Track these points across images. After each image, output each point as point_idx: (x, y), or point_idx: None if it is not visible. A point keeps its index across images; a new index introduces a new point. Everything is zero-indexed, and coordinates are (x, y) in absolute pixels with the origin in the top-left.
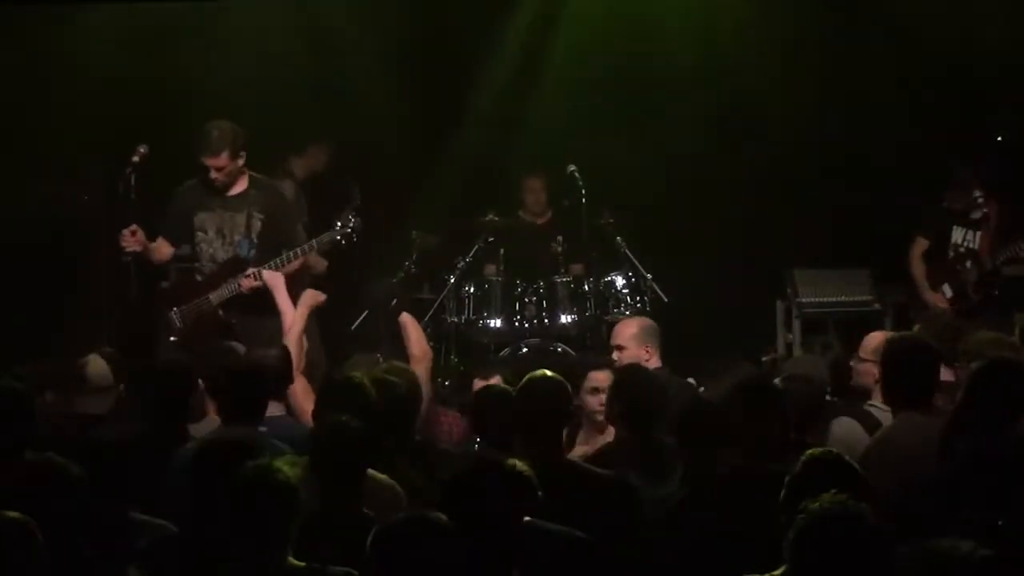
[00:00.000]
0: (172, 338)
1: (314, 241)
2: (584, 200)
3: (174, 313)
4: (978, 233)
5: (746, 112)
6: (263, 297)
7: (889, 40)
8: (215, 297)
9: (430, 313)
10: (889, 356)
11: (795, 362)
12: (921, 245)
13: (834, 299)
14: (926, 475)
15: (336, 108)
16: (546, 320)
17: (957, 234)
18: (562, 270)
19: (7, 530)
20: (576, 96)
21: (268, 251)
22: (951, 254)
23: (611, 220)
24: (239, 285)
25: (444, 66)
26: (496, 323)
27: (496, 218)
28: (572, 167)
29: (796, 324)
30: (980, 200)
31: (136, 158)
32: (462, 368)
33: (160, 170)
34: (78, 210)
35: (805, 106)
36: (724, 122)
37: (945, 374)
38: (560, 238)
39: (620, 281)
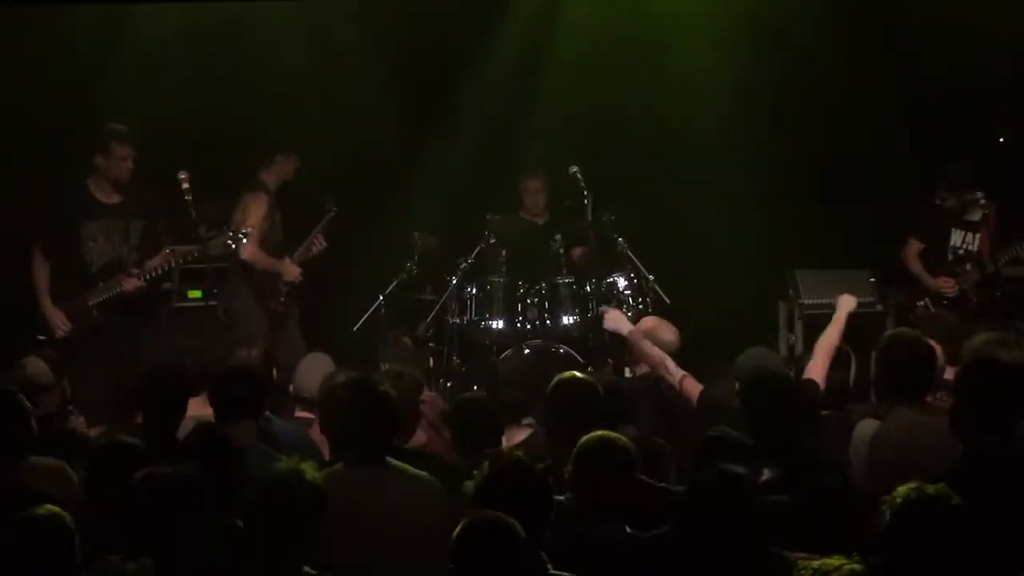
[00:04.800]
0: (40, 337)
1: (180, 249)
2: (586, 201)
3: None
4: (977, 235)
5: (748, 113)
6: (141, 299)
7: (891, 41)
8: (92, 298)
9: (432, 314)
10: (885, 352)
11: (751, 355)
12: (914, 247)
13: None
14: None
15: (337, 108)
16: (548, 321)
17: (956, 236)
18: (564, 270)
19: (43, 524)
20: (578, 96)
21: (147, 255)
22: (950, 256)
23: (612, 217)
24: (121, 286)
25: (446, 66)
26: (498, 324)
27: (498, 216)
28: (574, 168)
29: (798, 325)
30: (982, 201)
31: (186, 185)
32: (464, 369)
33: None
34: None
35: (807, 107)
36: (726, 123)
37: (949, 374)
38: (558, 236)
39: (622, 282)
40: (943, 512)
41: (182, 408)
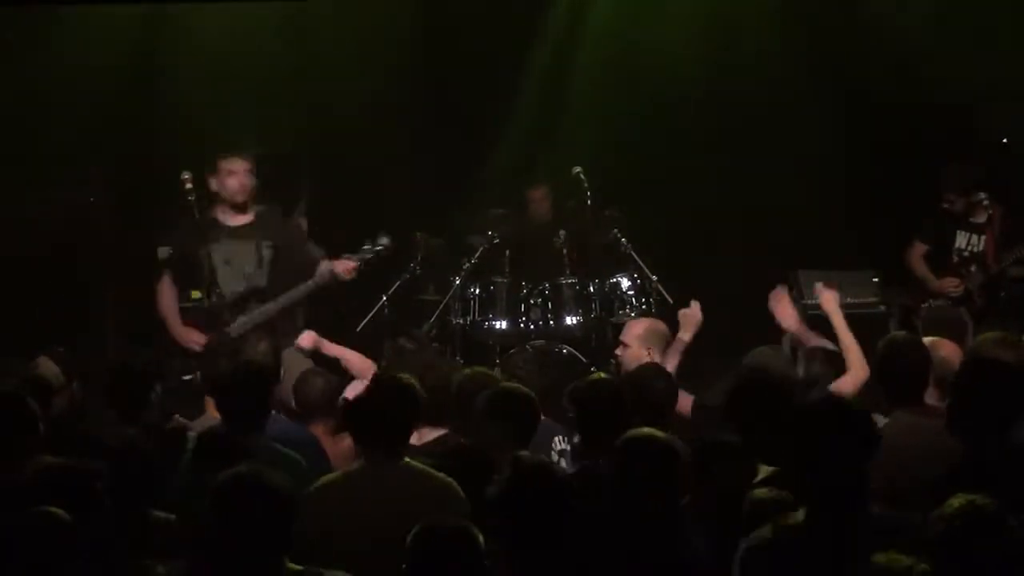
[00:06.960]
0: (186, 376)
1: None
2: (589, 202)
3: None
4: (982, 237)
5: (751, 114)
6: (282, 325)
7: (893, 41)
8: (234, 330)
9: (435, 314)
10: (881, 358)
11: (757, 356)
12: (919, 249)
13: (839, 301)
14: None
15: (342, 110)
16: (551, 322)
17: (961, 238)
18: (567, 270)
19: (47, 524)
20: (582, 98)
21: (282, 279)
22: (955, 259)
23: (615, 214)
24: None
25: (451, 69)
26: (501, 324)
27: (501, 213)
28: (577, 169)
29: None
30: (985, 202)
31: (189, 186)
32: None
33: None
34: (82, 212)
35: (809, 108)
36: (729, 124)
37: None
38: (562, 233)
39: (625, 283)
40: (998, 528)
41: (144, 402)
